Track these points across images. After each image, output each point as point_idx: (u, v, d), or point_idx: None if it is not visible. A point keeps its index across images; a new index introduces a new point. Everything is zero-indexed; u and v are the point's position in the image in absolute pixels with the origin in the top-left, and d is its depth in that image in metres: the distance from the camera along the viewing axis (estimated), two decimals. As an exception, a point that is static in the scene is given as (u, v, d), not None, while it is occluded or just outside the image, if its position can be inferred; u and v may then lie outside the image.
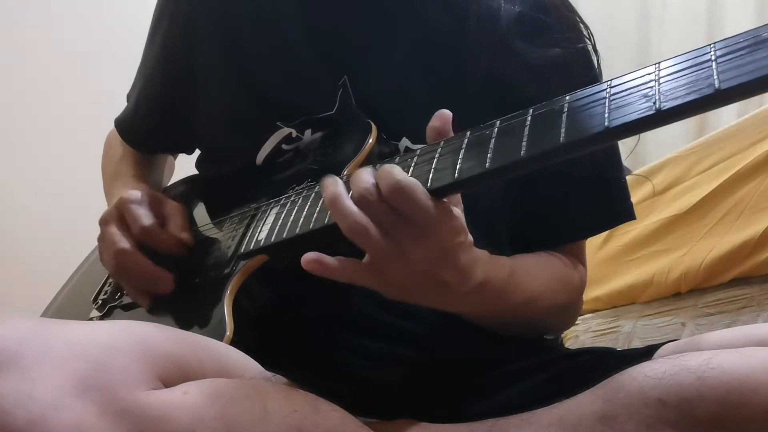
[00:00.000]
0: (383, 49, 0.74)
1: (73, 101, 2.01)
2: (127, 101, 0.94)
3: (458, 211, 0.54)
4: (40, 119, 2.01)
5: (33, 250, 1.91)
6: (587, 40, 0.77)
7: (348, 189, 0.54)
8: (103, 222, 0.75)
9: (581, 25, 0.77)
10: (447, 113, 0.55)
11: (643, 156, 2.31)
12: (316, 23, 0.76)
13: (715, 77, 0.40)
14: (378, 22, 0.75)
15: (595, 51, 0.77)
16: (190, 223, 0.82)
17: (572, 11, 0.77)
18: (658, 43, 2.53)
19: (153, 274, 0.71)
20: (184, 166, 0.96)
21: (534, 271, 0.70)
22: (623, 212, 0.78)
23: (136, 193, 0.75)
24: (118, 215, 0.74)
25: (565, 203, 0.75)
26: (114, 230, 0.73)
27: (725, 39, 0.42)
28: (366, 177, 0.53)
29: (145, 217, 0.73)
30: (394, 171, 0.51)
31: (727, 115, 2.29)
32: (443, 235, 0.53)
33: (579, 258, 0.77)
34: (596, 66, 0.77)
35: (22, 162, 1.98)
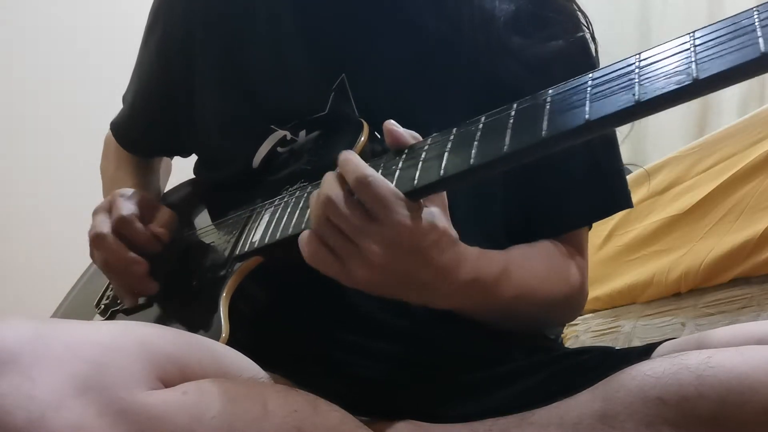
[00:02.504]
0: (379, 51, 0.74)
1: (77, 102, 2.00)
2: (123, 103, 0.94)
3: (434, 210, 0.54)
4: (44, 121, 2.01)
5: (38, 258, 1.91)
6: (585, 29, 0.76)
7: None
8: (94, 212, 0.77)
9: (579, 13, 0.77)
10: (389, 125, 0.57)
11: (643, 156, 2.31)
12: (311, 26, 0.76)
13: (694, 67, 0.40)
14: (373, 25, 0.75)
15: (593, 39, 0.76)
16: (183, 227, 0.83)
17: (569, 1, 0.77)
18: (659, 44, 2.53)
19: (126, 258, 0.73)
20: (184, 169, 0.96)
21: (529, 265, 0.69)
22: (621, 200, 0.78)
23: (129, 189, 0.78)
24: (106, 206, 0.76)
25: (563, 192, 0.75)
26: (98, 216, 0.76)
27: (704, 27, 0.42)
28: (330, 178, 0.55)
29: (125, 208, 0.74)
30: (360, 164, 0.53)
31: (727, 115, 2.30)
32: (411, 235, 0.53)
33: (579, 250, 0.77)
34: (594, 54, 0.77)
35: (27, 164, 1.98)
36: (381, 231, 0.52)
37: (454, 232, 0.56)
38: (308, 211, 0.61)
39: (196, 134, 0.83)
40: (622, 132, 0.79)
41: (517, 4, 0.74)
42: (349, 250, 0.54)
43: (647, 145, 2.39)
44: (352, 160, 0.54)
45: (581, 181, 0.75)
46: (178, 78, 0.82)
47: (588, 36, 0.76)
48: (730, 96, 2.39)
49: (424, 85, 0.73)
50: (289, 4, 0.77)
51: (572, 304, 0.76)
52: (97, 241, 0.74)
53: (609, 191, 0.77)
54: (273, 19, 0.77)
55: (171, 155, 1.01)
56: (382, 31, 0.75)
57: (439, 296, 0.59)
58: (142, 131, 0.92)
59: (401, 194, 0.52)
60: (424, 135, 0.58)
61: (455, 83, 0.73)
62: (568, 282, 0.73)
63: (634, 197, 1.42)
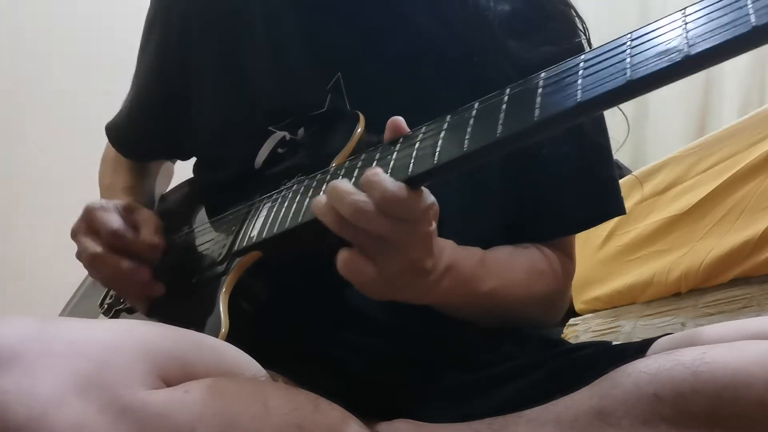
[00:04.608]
0: (375, 50, 0.74)
1: (78, 102, 2.01)
2: (124, 105, 0.94)
3: (433, 198, 0.55)
4: (45, 121, 2.01)
5: (41, 259, 1.91)
6: (582, 34, 0.76)
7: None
8: (73, 234, 0.76)
9: (576, 18, 0.77)
10: (395, 121, 0.57)
11: (643, 156, 2.31)
12: (310, 26, 0.76)
13: (685, 44, 0.40)
14: (371, 23, 0.75)
15: (590, 45, 0.76)
16: (183, 225, 0.83)
17: (568, 5, 0.77)
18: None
19: (129, 272, 0.72)
20: (185, 170, 0.96)
21: (507, 261, 0.70)
22: (613, 208, 0.78)
23: (100, 201, 0.76)
24: (86, 225, 0.75)
25: (555, 200, 0.75)
26: (83, 238, 0.74)
27: (695, 3, 0.42)
28: (349, 188, 0.53)
29: (113, 221, 0.73)
30: (382, 179, 0.52)
31: (727, 115, 2.30)
32: (427, 224, 0.54)
33: (566, 252, 0.77)
34: None
35: (29, 165, 1.98)
36: (406, 226, 0.53)
37: None
38: (305, 204, 0.61)
39: (193, 138, 0.83)
40: (619, 140, 0.79)
41: (512, 6, 0.74)
42: (381, 249, 0.54)
43: (647, 145, 2.39)
44: (375, 179, 0.52)
45: (574, 189, 0.75)
46: (176, 81, 0.83)
47: (584, 42, 0.76)
48: (730, 96, 2.39)
49: (419, 83, 0.73)
50: (287, 3, 0.77)
51: (555, 304, 0.76)
52: (94, 262, 0.73)
53: (601, 199, 0.77)
54: (271, 19, 0.77)
55: (170, 159, 1.01)
56: (379, 30, 0.75)
57: (427, 286, 0.60)
58: (139, 136, 0.92)
59: (414, 194, 0.52)
60: None
61: (448, 82, 0.73)
62: (549, 282, 0.73)
63: (634, 198, 1.43)
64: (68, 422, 0.39)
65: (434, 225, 0.56)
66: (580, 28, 0.76)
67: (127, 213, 0.76)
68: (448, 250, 0.61)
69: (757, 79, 2.37)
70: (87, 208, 0.75)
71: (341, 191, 0.53)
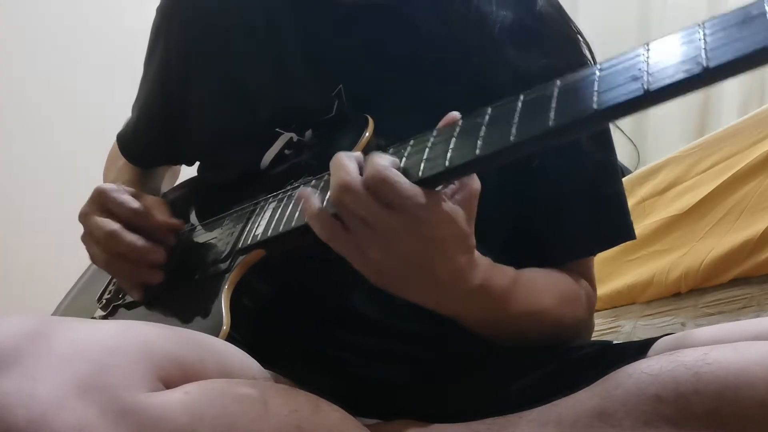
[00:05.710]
0: (375, 52, 0.75)
1: (78, 102, 2.01)
2: (132, 113, 0.95)
3: (457, 209, 0.54)
4: (44, 121, 2.01)
5: (40, 257, 1.91)
6: (585, 54, 0.76)
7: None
8: (83, 216, 0.75)
9: (580, 40, 0.76)
10: (455, 115, 0.55)
11: (643, 156, 2.31)
12: (308, 28, 0.77)
13: (704, 56, 0.40)
14: (370, 25, 0.75)
15: (594, 62, 0.76)
16: (186, 222, 0.83)
17: (570, 26, 0.77)
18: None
19: (145, 250, 0.71)
20: (190, 170, 0.97)
21: (540, 285, 0.69)
22: (624, 232, 0.77)
23: (111, 184, 0.76)
24: (98, 206, 0.74)
25: (563, 222, 0.74)
26: (97, 218, 0.73)
27: (714, 17, 0.42)
28: (347, 162, 0.53)
29: (131, 201, 0.73)
30: (379, 159, 0.52)
31: (727, 115, 2.30)
32: (431, 224, 0.53)
33: (585, 276, 0.77)
34: None
35: (28, 164, 1.98)
36: (398, 217, 0.52)
37: (473, 240, 0.56)
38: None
39: (196, 144, 0.84)
40: (627, 148, 0.78)
41: (515, 15, 0.74)
42: (366, 233, 0.53)
43: (647, 146, 2.39)
44: (373, 157, 0.53)
45: (582, 212, 0.74)
46: (180, 93, 0.83)
47: (588, 59, 0.76)
48: (730, 96, 2.39)
49: (420, 84, 0.73)
50: (287, 8, 0.78)
51: (579, 329, 0.75)
52: (109, 240, 0.71)
53: (609, 223, 0.76)
54: (271, 25, 0.78)
55: (174, 164, 1.01)
56: (378, 31, 0.75)
57: (448, 300, 0.59)
58: (145, 145, 0.93)
59: (417, 186, 0.51)
60: (417, 133, 0.58)
61: (448, 83, 0.73)
62: (577, 308, 0.72)
63: (635, 197, 1.43)
64: (69, 424, 0.39)
65: (451, 231, 0.54)
66: (583, 49, 0.76)
67: (137, 197, 0.76)
68: (482, 267, 0.59)
69: (757, 79, 2.37)
70: (98, 191, 0.75)
71: (339, 162, 0.53)
